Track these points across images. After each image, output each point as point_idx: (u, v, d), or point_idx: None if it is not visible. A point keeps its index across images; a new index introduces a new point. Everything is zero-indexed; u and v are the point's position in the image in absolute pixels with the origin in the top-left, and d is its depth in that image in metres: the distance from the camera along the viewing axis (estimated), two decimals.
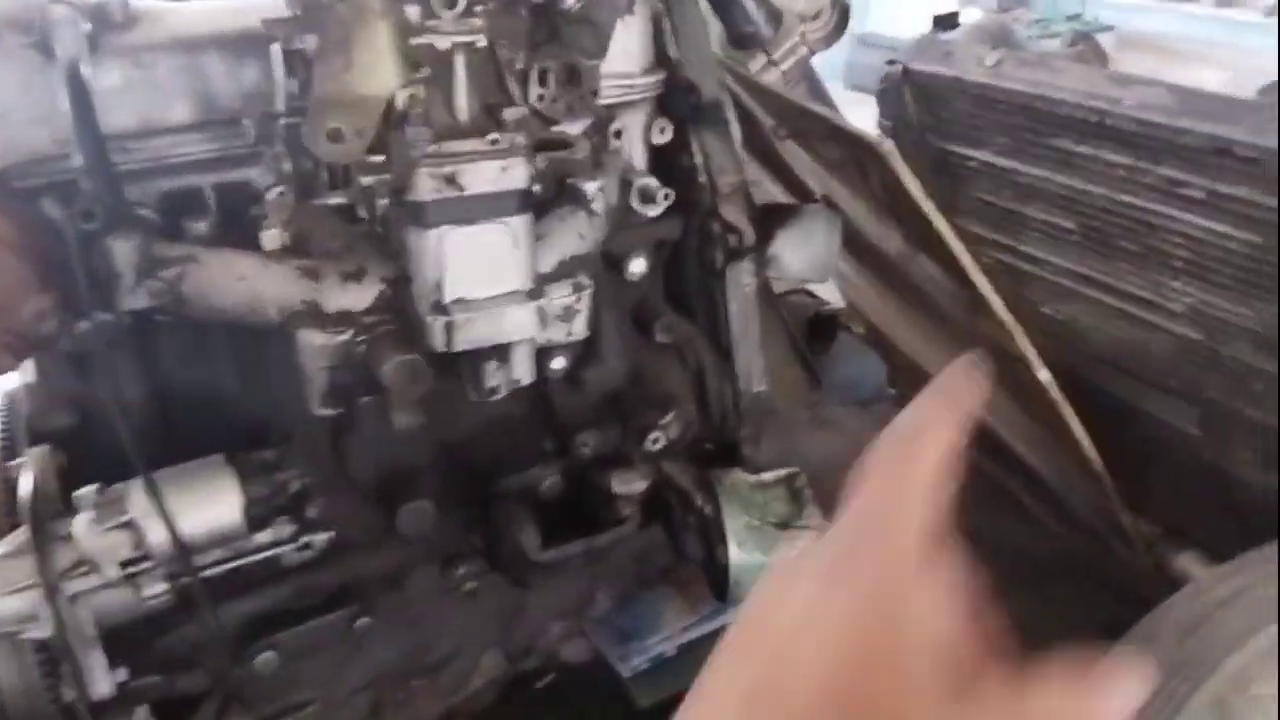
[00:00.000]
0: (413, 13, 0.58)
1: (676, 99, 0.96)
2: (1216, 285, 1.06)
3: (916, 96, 1.25)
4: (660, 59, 0.96)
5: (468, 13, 0.59)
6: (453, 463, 0.93)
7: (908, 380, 1.47)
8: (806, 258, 1.12)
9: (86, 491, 0.73)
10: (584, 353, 0.99)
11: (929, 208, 0.92)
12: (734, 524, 0.93)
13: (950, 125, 1.25)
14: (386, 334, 0.70)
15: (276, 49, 0.61)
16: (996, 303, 0.93)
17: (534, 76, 0.64)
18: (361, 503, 0.88)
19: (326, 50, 0.55)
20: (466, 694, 1.09)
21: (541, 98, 0.65)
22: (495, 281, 0.68)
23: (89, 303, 0.67)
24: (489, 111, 0.64)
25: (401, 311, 0.71)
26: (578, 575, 1.07)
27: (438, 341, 0.67)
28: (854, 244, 1.15)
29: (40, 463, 0.77)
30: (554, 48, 0.62)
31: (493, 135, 0.64)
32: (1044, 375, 0.95)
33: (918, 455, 0.36)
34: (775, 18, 1.02)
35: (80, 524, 0.71)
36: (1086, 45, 1.34)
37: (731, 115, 1.03)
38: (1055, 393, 0.96)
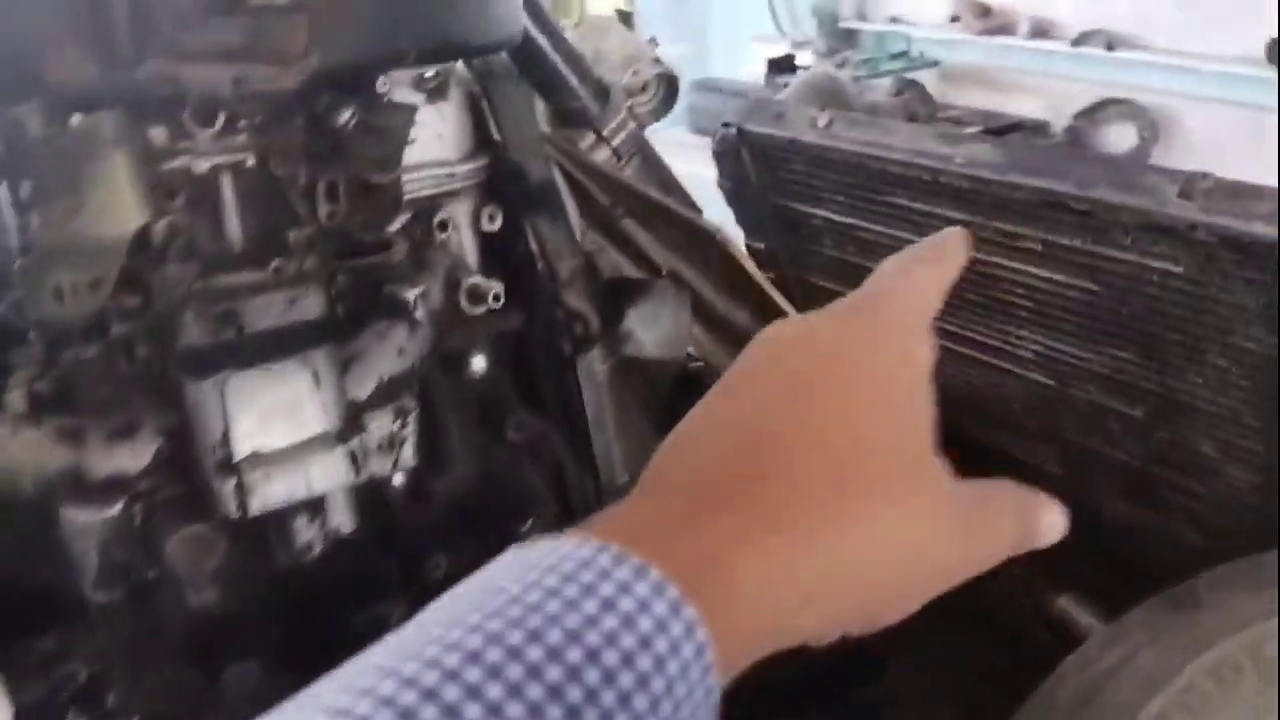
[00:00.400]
0: (158, 135, 0.49)
1: (504, 184, 0.90)
2: (1061, 332, 1.07)
3: (754, 157, 1.23)
4: (482, 143, 0.90)
5: (228, 130, 0.50)
6: (283, 613, 0.82)
7: None
8: (659, 334, 1.07)
9: None
10: (427, 463, 0.90)
11: (769, 288, 0.89)
12: None
13: (789, 184, 1.23)
14: (167, 501, 0.59)
15: (2, 189, 0.51)
16: None
17: (321, 191, 0.56)
18: (175, 676, 0.76)
19: (47, 194, 0.46)
20: None
21: (333, 214, 0.57)
22: (296, 428, 0.59)
23: None
24: (269, 236, 0.56)
25: (185, 470, 0.60)
26: None
27: (229, 507, 0.58)
28: (704, 317, 1.11)
29: None
30: (338, 163, 0.54)
31: (275, 263, 0.55)
32: None
33: (914, 269, 0.42)
34: (602, 93, 0.97)
35: None
36: (913, 93, 1.37)
37: (566, 194, 0.98)
38: None
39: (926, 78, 2.99)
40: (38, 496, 0.59)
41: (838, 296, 1.38)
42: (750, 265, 0.90)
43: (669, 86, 1.04)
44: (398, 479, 0.86)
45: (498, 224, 0.91)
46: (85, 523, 0.58)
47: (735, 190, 1.34)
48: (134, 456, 0.60)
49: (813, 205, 1.26)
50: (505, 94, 0.89)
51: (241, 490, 0.57)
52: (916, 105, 1.33)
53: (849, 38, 3.37)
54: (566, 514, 0.99)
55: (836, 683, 1.20)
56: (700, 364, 1.73)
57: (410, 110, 0.58)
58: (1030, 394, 1.17)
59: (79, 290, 0.47)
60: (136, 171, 0.48)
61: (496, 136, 0.89)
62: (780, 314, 0.90)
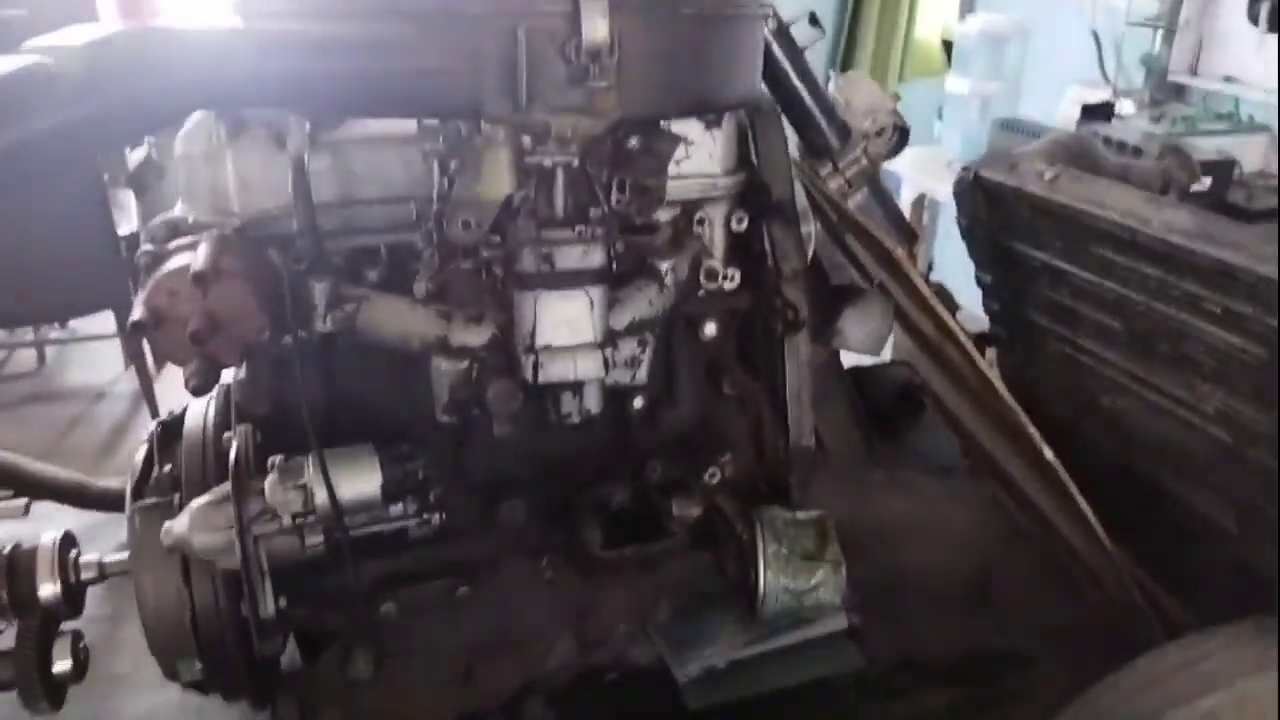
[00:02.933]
0: (527, 141, 0.83)
1: (752, 196, 1.18)
2: (1239, 392, 1.16)
3: (986, 200, 1.41)
4: (742, 162, 1.18)
5: (567, 143, 0.83)
6: (546, 474, 1.17)
7: (970, 449, 1.60)
8: (865, 334, 1.30)
9: (275, 459, 1.00)
10: (661, 397, 1.21)
11: (936, 305, 1.09)
12: (766, 550, 1.12)
13: (1015, 227, 1.40)
14: (494, 366, 0.94)
15: (434, 161, 0.87)
16: (1001, 389, 1.08)
17: (614, 186, 0.87)
18: (470, 496, 1.13)
19: (464, 167, 0.80)
20: (544, 672, 1.31)
21: (619, 201, 0.88)
22: (574, 334, 0.91)
23: (292, 324, 0.95)
24: (578, 210, 0.88)
25: (506, 350, 0.95)
26: (640, 583, 1.27)
27: (528, 374, 0.91)
28: (906, 322, 1.32)
29: (243, 437, 1.05)
30: (625, 169, 0.85)
31: (579, 227, 0.88)
32: (1048, 454, 1.09)
33: None
34: (845, 133, 1.21)
35: (269, 483, 0.98)
36: (1174, 158, 1.43)
37: (807, 212, 1.23)
38: (1060, 472, 1.09)
39: (1254, 146, 2.86)
40: (420, 350, 0.97)
41: (1051, 333, 1.61)
42: (918, 280, 1.10)
43: (902, 134, 1.27)
44: (638, 403, 1.18)
45: (744, 226, 1.19)
46: (445, 369, 0.95)
47: (969, 227, 1.52)
48: (478, 336, 0.95)
49: (1034, 248, 1.42)
50: (766, 127, 1.16)
51: (536, 365, 0.90)
52: (1174, 171, 1.42)
53: (1176, 92, 3.27)
54: (759, 459, 1.26)
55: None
56: (921, 379, 1.90)
57: (676, 139, 0.87)
58: (1211, 449, 1.26)
59: (473, 226, 0.82)
60: (511, 161, 0.81)
61: (754, 159, 1.17)
62: (947, 329, 1.08)
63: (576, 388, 0.95)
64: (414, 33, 0.71)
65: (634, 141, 0.81)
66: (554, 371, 0.90)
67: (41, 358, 4.47)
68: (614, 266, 0.94)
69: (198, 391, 0.90)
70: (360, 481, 0.99)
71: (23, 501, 1.15)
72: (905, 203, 3.72)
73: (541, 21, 0.70)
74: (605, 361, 0.93)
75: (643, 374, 1.00)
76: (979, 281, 1.59)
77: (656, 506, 1.17)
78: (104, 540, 1.65)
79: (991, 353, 1.75)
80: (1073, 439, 1.46)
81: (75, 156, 0.49)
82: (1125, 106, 3.21)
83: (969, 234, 1.51)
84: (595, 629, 1.31)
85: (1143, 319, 1.25)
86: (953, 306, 1.50)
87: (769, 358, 1.23)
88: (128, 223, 3.77)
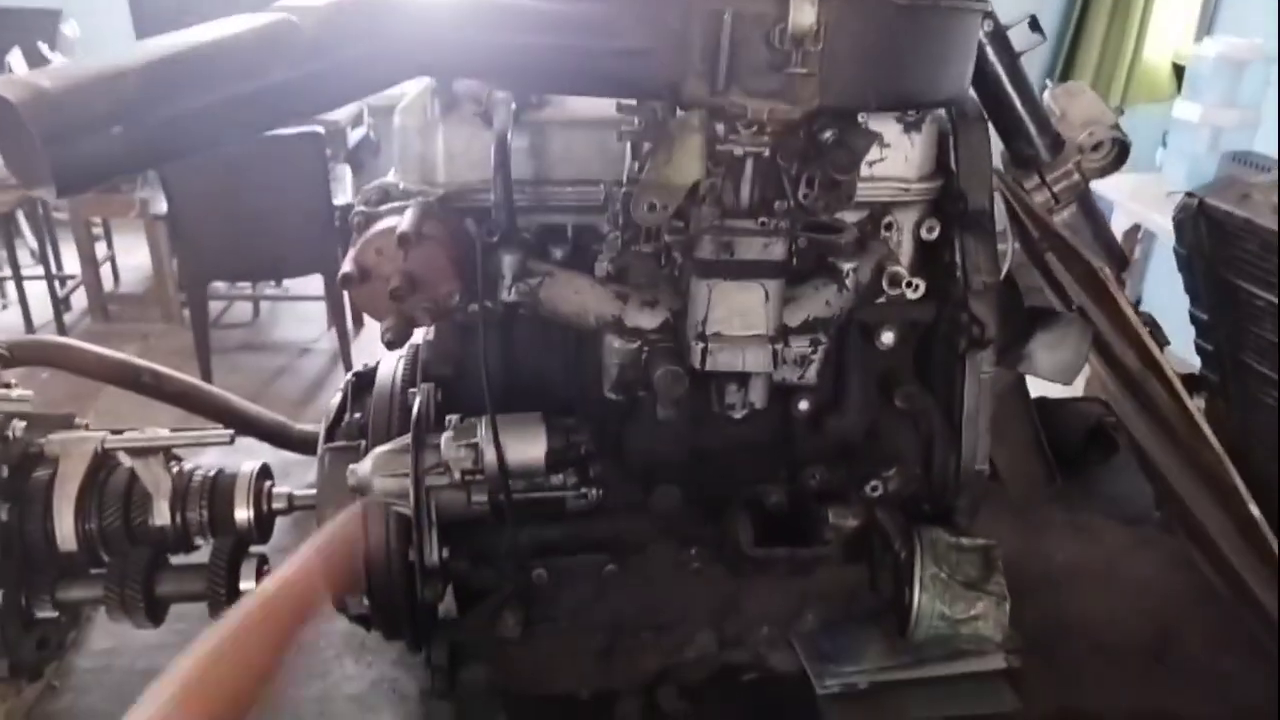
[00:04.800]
0: (720, 129, 0.83)
1: (947, 204, 1.13)
2: None
3: (1210, 230, 1.30)
4: (940, 168, 1.14)
5: (759, 132, 0.82)
6: (703, 465, 1.17)
7: (1166, 499, 1.48)
8: (1056, 361, 1.23)
9: (453, 418, 1.06)
10: (829, 401, 1.19)
11: (1144, 335, 1.01)
12: (924, 571, 1.08)
13: (1240, 262, 1.28)
14: (664, 349, 0.95)
15: (628, 145, 0.89)
16: (1210, 435, 0.99)
17: (803, 180, 0.87)
18: (628, 476, 1.15)
19: (656, 150, 0.82)
20: (682, 661, 1.31)
21: (806, 196, 0.87)
22: (746, 325, 0.91)
23: (480, 293, 1.00)
24: (764, 202, 0.88)
25: (677, 335, 0.96)
26: (788, 587, 1.25)
27: (695, 361, 0.92)
28: (1106, 354, 1.23)
29: (426, 394, 1.12)
30: (817, 162, 0.84)
31: (762, 219, 0.87)
32: (1254, 510, 0.99)
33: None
34: (1057, 145, 1.15)
35: (444, 438, 1.04)
36: None
37: (1006, 225, 1.17)
38: (1266, 532, 0.99)
39: None
40: (595, 327, 0.99)
41: (1271, 381, 1.49)
42: (1126, 306, 1.03)
43: (1121, 149, 1.18)
44: (803, 404, 1.16)
45: (935, 235, 1.15)
46: (618, 348, 0.97)
47: (1188, 259, 1.41)
48: (652, 319, 0.97)
49: (1259, 287, 1.29)
50: (969, 133, 1.12)
51: (705, 352, 0.91)
52: None
53: None
54: (926, 477, 1.21)
55: None
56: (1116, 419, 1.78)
57: (872, 135, 0.85)
58: None
59: (659, 209, 0.83)
60: (703, 147, 0.82)
61: (953, 165, 1.13)
62: (1156, 364, 1.00)
63: (742, 379, 0.95)
64: (622, 11, 0.73)
65: (828, 135, 0.80)
66: (722, 360, 0.91)
67: (256, 311, 4.91)
68: (794, 262, 0.93)
69: (391, 345, 0.97)
70: (526, 447, 1.03)
71: (230, 431, 1.26)
72: (1118, 231, 3.48)
73: (750, 5, 0.71)
74: (775, 356, 0.92)
75: (812, 374, 0.99)
76: (1193, 319, 1.47)
77: (813, 512, 1.15)
78: (296, 478, 1.79)
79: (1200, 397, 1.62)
80: None
81: (305, 109, 0.53)
82: None
83: (1187, 265, 1.39)
84: (737, 627, 1.30)
85: None
86: (1162, 341, 1.39)
87: (948, 374, 1.18)
88: (343, 195, 4.08)
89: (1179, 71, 3.84)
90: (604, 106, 0.95)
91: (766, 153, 0.83)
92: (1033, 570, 1.62)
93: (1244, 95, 3.13)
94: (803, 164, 0.84)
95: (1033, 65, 1.19)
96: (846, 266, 1.00)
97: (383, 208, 1.00)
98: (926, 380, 1.22)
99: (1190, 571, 1.63)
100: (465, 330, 1.12)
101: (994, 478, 1.38)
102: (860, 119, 0.86)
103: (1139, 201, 3.30)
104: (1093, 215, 1.27)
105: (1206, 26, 4.21)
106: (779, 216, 0.87)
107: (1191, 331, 1.49)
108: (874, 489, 1.16)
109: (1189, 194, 1.32)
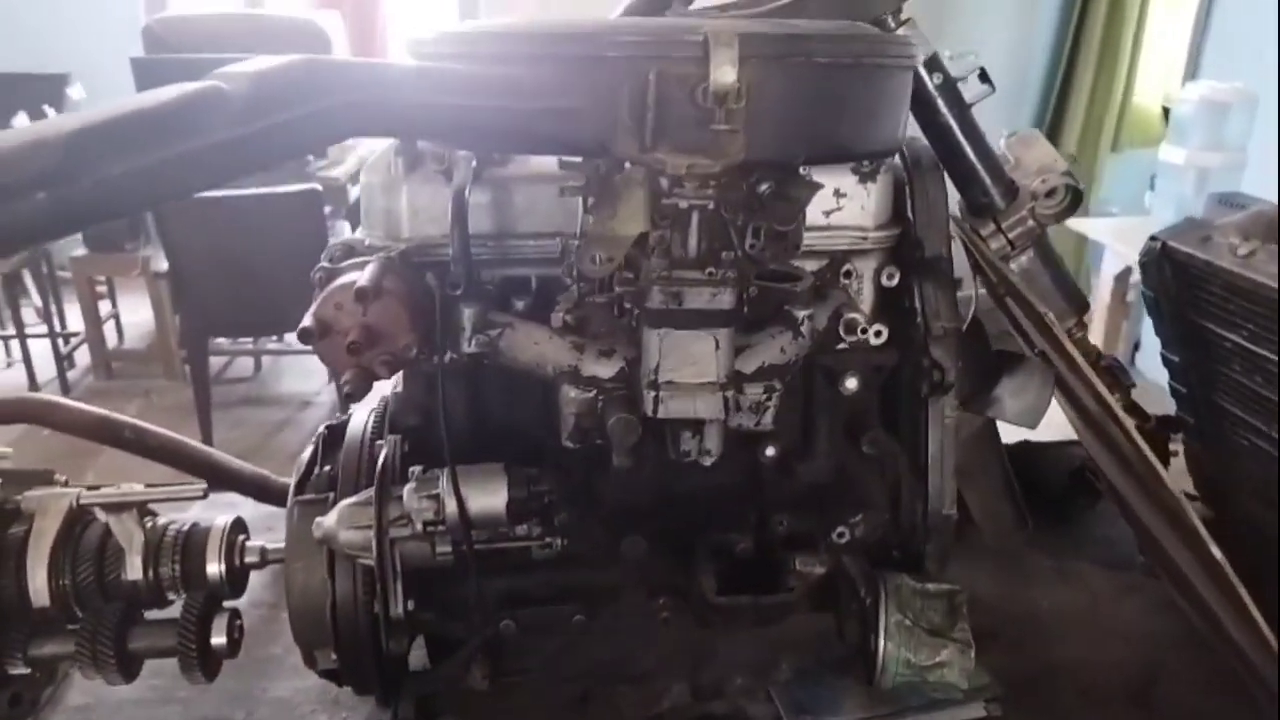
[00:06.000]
0: (664, 183, 0.85)
1: (905, 251, 1.15)
2: None
3: (1175, 273, 1.31)
4: (896, 216, 1.16)
5: (703, 185, 0.84)
6: (670, 512, 1.17)
7: (1144, 541, 1.47)
8: (1021, 404, 1.23)
9: (415, 469, 1.06)
10: (796, 447, 1.19)
11: (1092, 378, 1.02)
12: (888, 618, 1.07)
13: (1205, 304, 1.29)
14: (618, 398, 0.96)
15: (578, 199, 0.92)
16: (1163, 475, 0.99)
17: (749, 231, 0.88)
18: (594, 526, 1.15)
19: (600, 204, 0.84)
20: (659, 711, 1.30)
21: (753, 246, 0.89)
22: (698, 373, 0.92)
23: (439, 345, 1.02)
24: (711, 252, 0.89)
25: (631, 383, 0.97)
26: (760, 636, 1.24)
27: (648, 409, 0.93)
28: (1070, 397, 1.23)
29: (393, 445, 1.13)
30: (760, 214, 0.85)
31: (710, 269, 0.89)
32: (1215, 552, 0.99)
33: None
34: (1011, 193, 1.17)
35: (407, 490, 1.05)
36: None
37: (968, 271, 1.19)
38: (1228, 570, 0.98)
39: None
40: (553, 377, 1.01)
41: (1243, 423, 1.51)
42: (1079, 359, 1.04)
43: (1074, 196, 1.20)
44: (770, 451, 1.16)
45: (895, 281, 1.16)
46: (574, 397, 0.98)
47: (1155, 302, 1.42)
48: (608, 368, 0.98)
49: (1226, 329, 1.30)
50: (924, 182, 1.14)
51: (657, 400, 0.92)
52: None
53: None
54: (894, 523, 1.21)
55: None
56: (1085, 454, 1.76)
57: (814, 186, 0.87)
58: None
59: (602, 261, 0.85)
60: (647, 201, 0.84)
61: (910, 214, 1.15)
62: (1108, 406, 1.01)
63: (697, 426, 0.96)
64: (558, 75, 0.75)
65: (765, 187, 0.82)
66: (674, 408, 0.92)
67: (258, 365, 4.95)
68: (745, 310, 0.94)
69: (350, 398, 0.98)
70: (488, 497, 1.03)
71: (203, 485, 1.27)
72: (1107, 275, 3.50)
73: (674, 66, 0.73)
74: (726, 403, 0.93)
75: (768, 420, 1.00)
76: (1165, 361, 1.48)
77: (779, 559, 1.15)
78: (279, 531, 1.80)
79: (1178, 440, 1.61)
80: (1262, 537, 1.31)
81: (234, 172, 0.55)
82: None
83: (1155, 308, 1.40)
84: (711, 676, 1.29)
85: None
86: (1127, 384, 1.39)
87: (913, 419, 1.19)
88: None
89: (1169, 115, 3.88)
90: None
91: (711, 205, 0.85)
92: (1018, 615, 1.61)
93: (1229, 138, 3.17)
94: (747, 215, 0.86)
95: (1022, 114, 1.21)
96: (801, 314, 1.01)
97: (345, 263, 1.02)
98: (892, 426, 1.23)
99: (1174, 615, 1.62)
100: (433, 381, 1.13)
101: (967, 521, 1.37)
102: (803, 171, 0.89)
103: (1128, 244, 3.32)
104: (1050, 261, 1.29)
105: (1192, 71, 4.27)
106: (726, 266, 0.89)
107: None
108: (840, 535, 1.16)
109: (1152, 237, 1.34)
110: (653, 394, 0.92)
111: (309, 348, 0.97)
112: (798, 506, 1.19)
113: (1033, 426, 1.22)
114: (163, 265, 3.78)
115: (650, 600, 1.19)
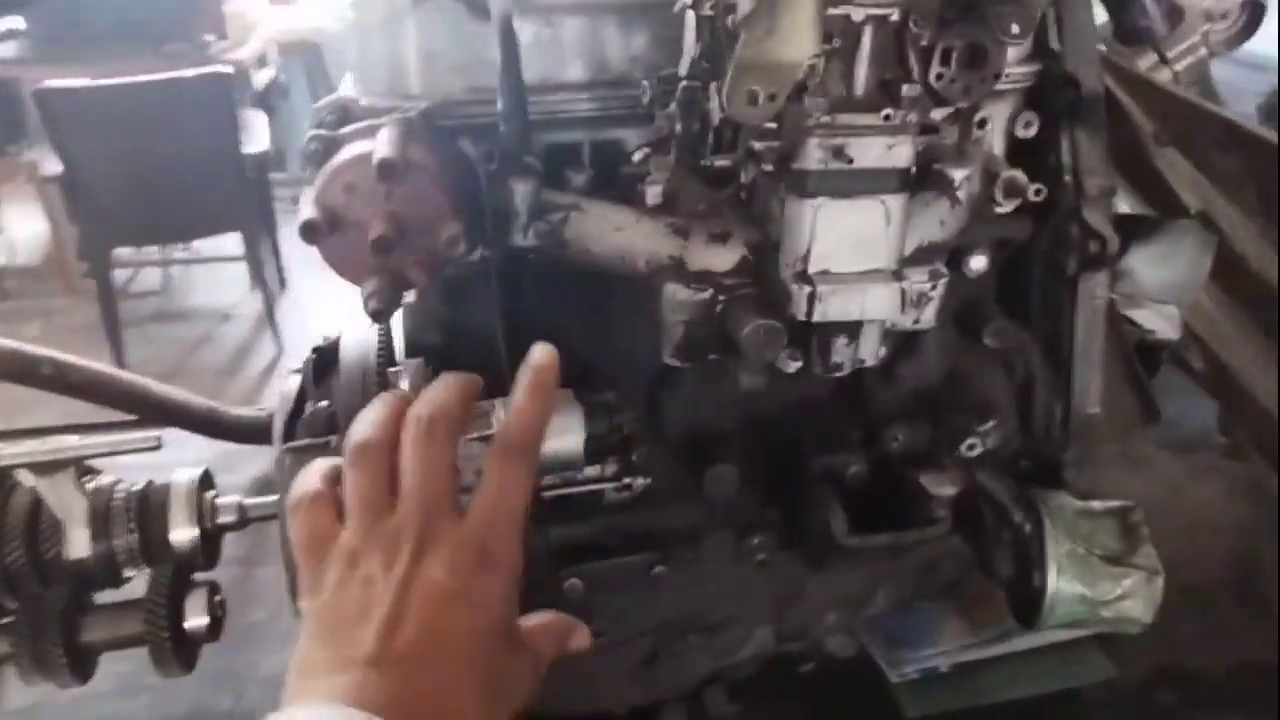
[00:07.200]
0: None
1: (1050, 93, 0.91)
2: None
3: None
4: (1039, 50, 0.92)
5: None
6: (760, 435, 0.95)
7: (1249, 429, 1.32)
8: (1166, 277, 1.03)
9: None
10: (901, 346, 0.97)
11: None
12: (1056, 549, 0.88)
13: None
14: (746, 298, 0.72)
15: (691, 15, 0.65)
16: None
17: (937, 55, 0.63)
18: (674, 459, 0.92)
19: (753, 16, 0.57)
20: (735, 661, 1.11)
21: (940, 77, 0.64)
22: (863, 258, 0.68)
23: (488, 236, 0.75)
24: (885, 87, 0.64)
25: (761, 277, 0.72)
26: (864, 570, 1.05)
27: (799, 310, 0.68)
28: (1228, 271, 1.04)
29: (417, 374, 0.86)
30: (967, 25, 0.60)
31: (886, 110, 0.64)
32: None
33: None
34: (1175, 14, 0.93)
35: None
36: None
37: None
38: None
39: None
40: (646, 273, 0.75)
41: None
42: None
43: (1253, 14, 0.97)
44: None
45: (1033, 131, 0.92)
46: (684, 300, 0.73)
47: None
48: (724, 259, 0.73)
49: None
50: (1073, 3, 0.89)
51: (813, 298, 0.67)
52: None
53: None
54: (1025, 429, 1.01)
55: None
56: (1156, 337, 1.61)
57: None
58: None
59: (763, 100, 0.59)
60: (816, 11, 0.58)
61: (1055, 46, 0.90)
62: None
63: (853, 331, 0.72)
64: None
65: None
66: (836, 308, 0.68)
67: (167, 277, 4.50)
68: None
69: (378, 316, 0.72)
70: (560, 437, 0.79)
71: (157, 434, 1.00)
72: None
73: None
74: (900, 296, 0.69)
75: (929, 316, 0.76)
76: None
77: (904, 484, 0.94)
78: (240, 472, 1.52)
79: None
80: None
81: None
82: None
83: None
84: (800, 618, 1.10)
85: None
86: None
87: (1051, 303, 0.97)
88: (253, 143, 3.69)
89: None
90: None
91: (895, 15, 0.60)
92: None
93: None
94: (940, 31, 0.61)
95: None
96: (958, 175, 0.77)
97: (345, 129, 0.74)
98: (1016, 312, 1.01)
99: (1258, 499, 1.51)
100: (452, 288, 0.87)
101: None
102: None
103: None
104: (1215, 102, 1.07)
105: None
106: (906, 106, 0.64)
107: None
108: (970, 448, 0.95)
109: None
110: (806, 289, 0.67)
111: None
112: (910, 416, 0.98)
113: (1182, 303, 1.02)
114: (53, 168, 3.31)
115: (741, 541, 0.98)
